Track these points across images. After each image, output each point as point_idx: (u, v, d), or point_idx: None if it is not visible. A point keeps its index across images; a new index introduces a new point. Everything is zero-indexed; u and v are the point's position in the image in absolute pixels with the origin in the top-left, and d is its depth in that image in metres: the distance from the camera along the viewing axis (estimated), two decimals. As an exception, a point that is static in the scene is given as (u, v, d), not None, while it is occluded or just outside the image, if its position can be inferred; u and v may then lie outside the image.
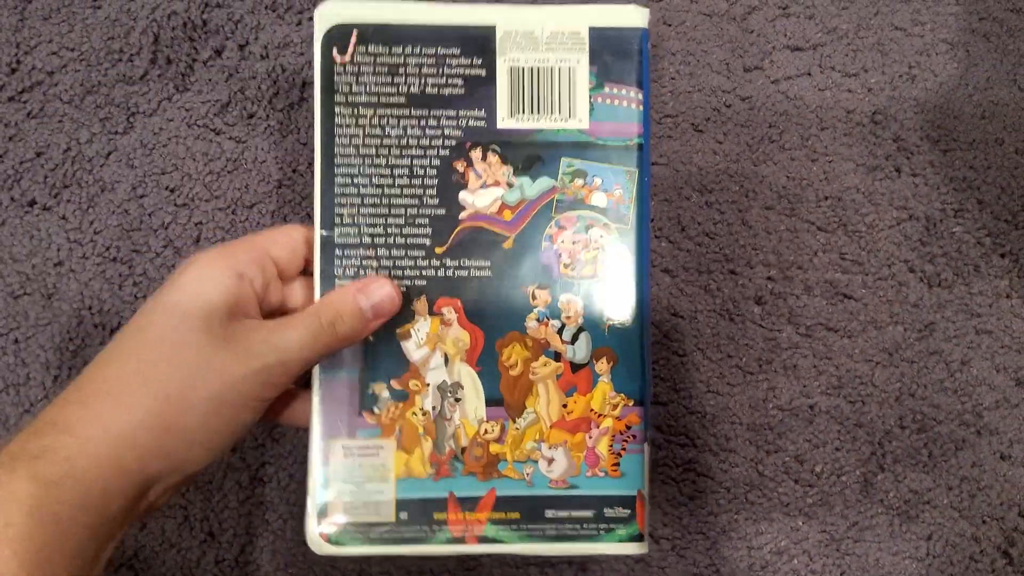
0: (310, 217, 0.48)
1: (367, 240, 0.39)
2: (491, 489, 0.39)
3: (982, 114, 0.53)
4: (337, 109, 0.39)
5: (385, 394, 0.39)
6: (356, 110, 0.39)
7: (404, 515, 0.38)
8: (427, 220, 0.39)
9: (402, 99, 0.40)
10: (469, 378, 0.39)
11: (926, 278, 0.49)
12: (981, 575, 0.45)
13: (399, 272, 0.39)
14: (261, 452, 0.45)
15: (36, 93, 0.50)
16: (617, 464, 0.39)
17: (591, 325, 0.39)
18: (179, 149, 0.49)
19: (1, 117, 0.49)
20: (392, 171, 0.39)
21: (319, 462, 0.38)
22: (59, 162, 0.49)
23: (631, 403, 0.39)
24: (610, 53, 0.40)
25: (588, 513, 0.38)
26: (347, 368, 0.39)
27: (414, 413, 0.39)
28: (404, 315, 0.39)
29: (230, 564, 0.44)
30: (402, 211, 0.39)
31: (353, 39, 0.40)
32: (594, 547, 0.38)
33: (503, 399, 0.39)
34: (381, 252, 0.39)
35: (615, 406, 0.39)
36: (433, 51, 0.40)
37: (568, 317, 0.39)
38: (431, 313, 0.39)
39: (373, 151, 0.39)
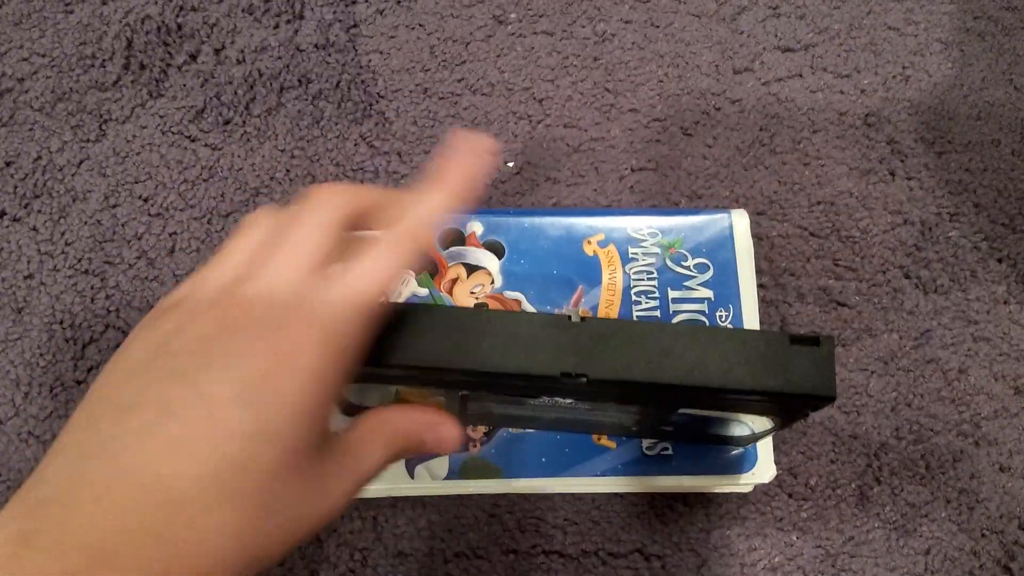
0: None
1: None
2: None
3: (977, 115, 0.52)
4: None
5: None
6: None
7: None
8: None
9: None
10: None
11: (922, 284, 0.48)
12: (981, 590, 0.44)
13: None
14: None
15: (6, 100, 0.49)
16: None
17: None
18: (153, 157, 0.48)
19: (-31, 125, 0.48)
20: None
21: None
22: (29, 171, 0.47)
23: None
24: None
25: None
26: None
27: None
28: None
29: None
30: None
31: None
32: None
33: None
34: None
35: None
36: None
37: None
38: None
39: None
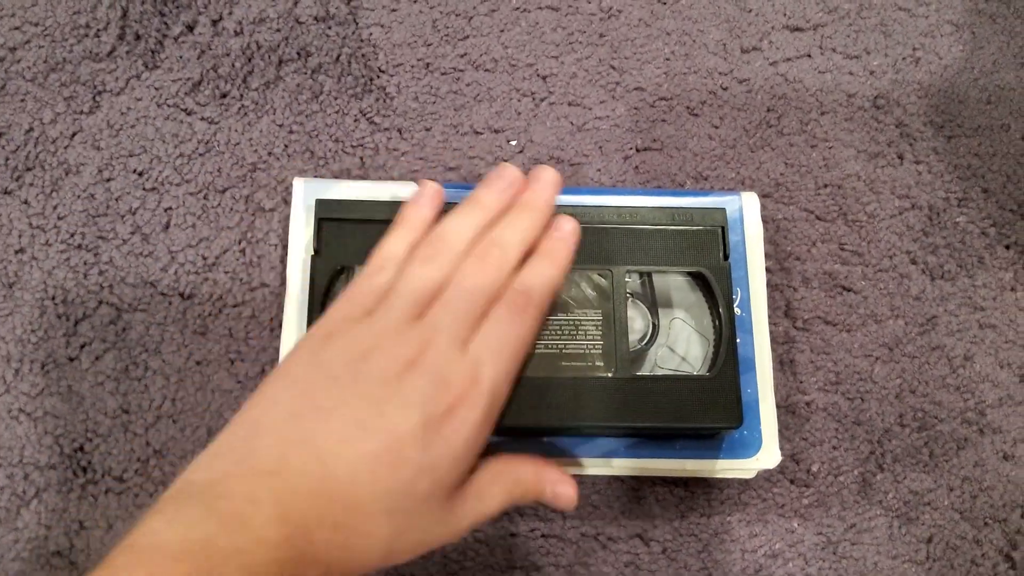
0: (286, 202, 0.46)
1: None
2: None
3: (988, 99, 0.51)
4: None
5: None
6: None
7: None
8: None
9: None
10: None
11: (928, 270, 0.47)
12: (982, 578, 0.43)
13: None
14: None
15: (-3, 70, 0.47)
16: None
17: None
18: (148, 130, 0.47)
19: (-41, 95, 0.47)
20: None
21: None
22: (21, 143, 0.46)
23: None
24: None
25: None
26: None
27: None
28: None
29: None
30: None
31: None
32: None
33: None
34: None
35: None
36: None
37: None
38: None
39: None
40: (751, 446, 0.40)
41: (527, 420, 0.37)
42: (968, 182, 0.49)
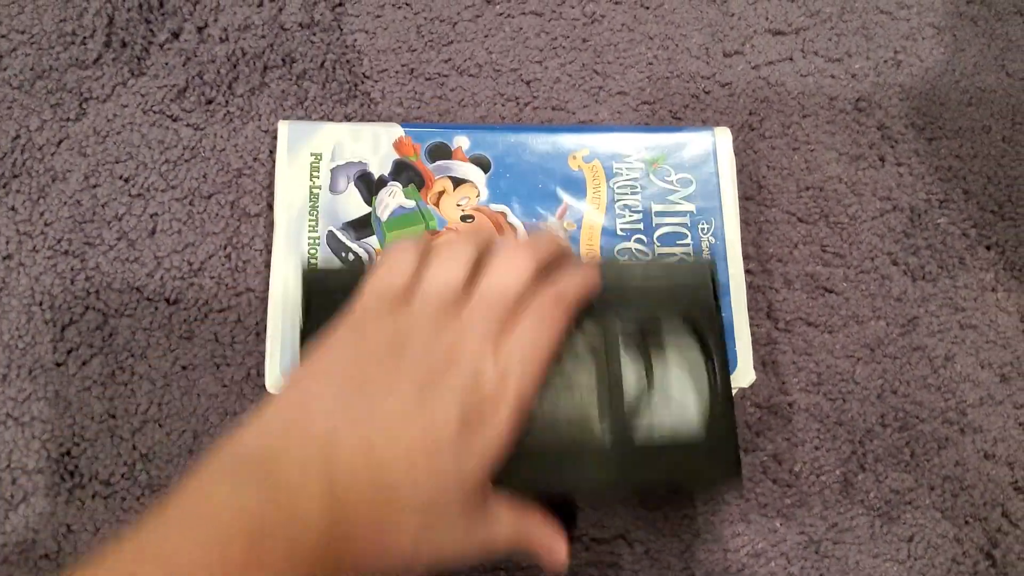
0: (270, 207, 0.46)
1: None
2: None
3: (968, 101, 0.51)
4: None
5: None
6: None
7: None
8: None
9: None
10: None
11: (910, 271, 0.48)
12: (963, 577, 0.44)
13: None
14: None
15: (-16, 77, 0.48)
16: None
17: None
18: (134, 136, 0.47)
19: (-54, 103, 0.47)
20: None
21: None
22: (8, 150, 0.46)
23: None
24: None
25: None
26: None
27: None
28: None
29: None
30: None
31: None
32: None
33: None
34: None
35: None
36: None
37: None
38: None
39: None
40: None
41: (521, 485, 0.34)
42: (949, 184, 0.50)
